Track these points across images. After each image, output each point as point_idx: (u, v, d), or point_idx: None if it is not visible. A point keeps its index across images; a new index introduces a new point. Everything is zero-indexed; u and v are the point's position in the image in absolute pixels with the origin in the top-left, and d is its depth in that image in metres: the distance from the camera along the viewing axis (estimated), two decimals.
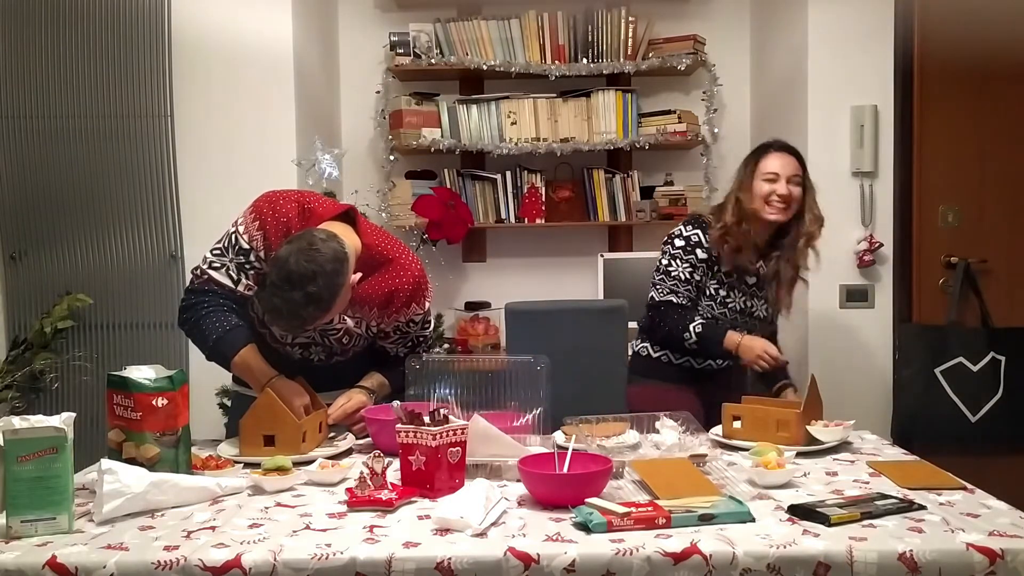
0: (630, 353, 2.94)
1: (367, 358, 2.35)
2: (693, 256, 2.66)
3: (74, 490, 1.61)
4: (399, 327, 2.29)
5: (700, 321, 2.65)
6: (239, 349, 2.13)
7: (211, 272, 2.17)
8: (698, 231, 2.68)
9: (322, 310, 1.99)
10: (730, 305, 2.69)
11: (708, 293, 2.69)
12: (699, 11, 4.30)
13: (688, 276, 2.66)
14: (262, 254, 2.14)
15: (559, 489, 1.65)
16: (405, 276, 2.23)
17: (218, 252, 2.17)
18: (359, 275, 2.09)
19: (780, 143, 2.74)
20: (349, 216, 2.21)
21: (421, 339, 2.38)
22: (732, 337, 2.61)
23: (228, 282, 2.16)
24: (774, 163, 2.65)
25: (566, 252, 4.32)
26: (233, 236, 2.16)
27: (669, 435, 1.98)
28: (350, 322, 2.23)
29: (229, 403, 2.84)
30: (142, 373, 1.84)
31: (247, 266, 2.15)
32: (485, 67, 4.03)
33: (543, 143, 4.03)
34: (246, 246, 2.14)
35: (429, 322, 2.41)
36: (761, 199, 2.63)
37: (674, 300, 2.68)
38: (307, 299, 1.94)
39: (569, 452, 1.75)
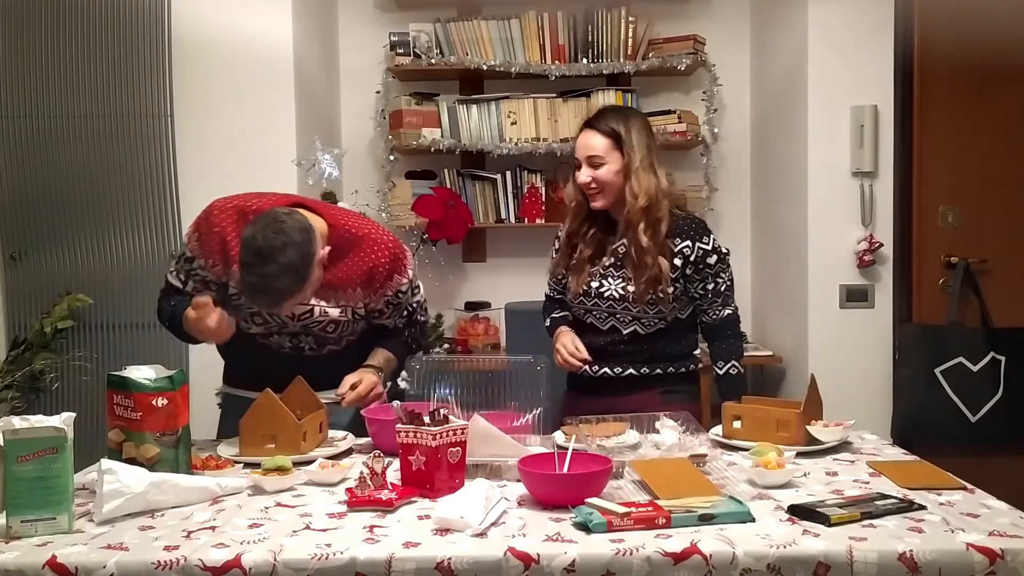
0: None
1: (363, 344, 2.35)
2: (553, 248, 2.58)
3: (74, 490, 1.61)
4: (388, 301, 2.29)
5: (551, 315, 2.55)
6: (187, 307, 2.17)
7: (169, 277, 2.29)
8: (563, 225, 2.56)
9: (299, 281, 2.00)
10: (584, 289, 2.45)
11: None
12: (699, 11, 4.30)
13: (551, 270, 2.60)
14: (203, 263, 2.19)
15: (559, 489, 1.65)
16: (380, 250, 2.23)
17: (175, 259, 2.29)
18: (328, 249, 2.09)
19: (591, 117, 2.47)
20: (301, 206, 2.20)
21: (415, 306, 2.39)
22: (556, 335, 2.48)
23: (178, 283, 2.26)
24: (578, 146, 2.43)
25: None
26: (183, 245, 2.26)
27: (669, 435, 1.98)
28: (334, 312, 2.23)
29: None
30: (142, 373, 1.84)
31: (192, 272, 2.22)
32: (485, 67, 4.03)
33: (543, 143, 4.03)
34: (189, 254, 2.22)
35: (418, 287, 2.40)
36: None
37: (547, 292, 2.64)
38: (282, 270, 1.96)
39: (569, 452, 1.75)
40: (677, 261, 2.39)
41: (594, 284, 2.43)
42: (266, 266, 1.95)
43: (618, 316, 2.42)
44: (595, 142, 2.39)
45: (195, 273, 2.21)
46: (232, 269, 2.14)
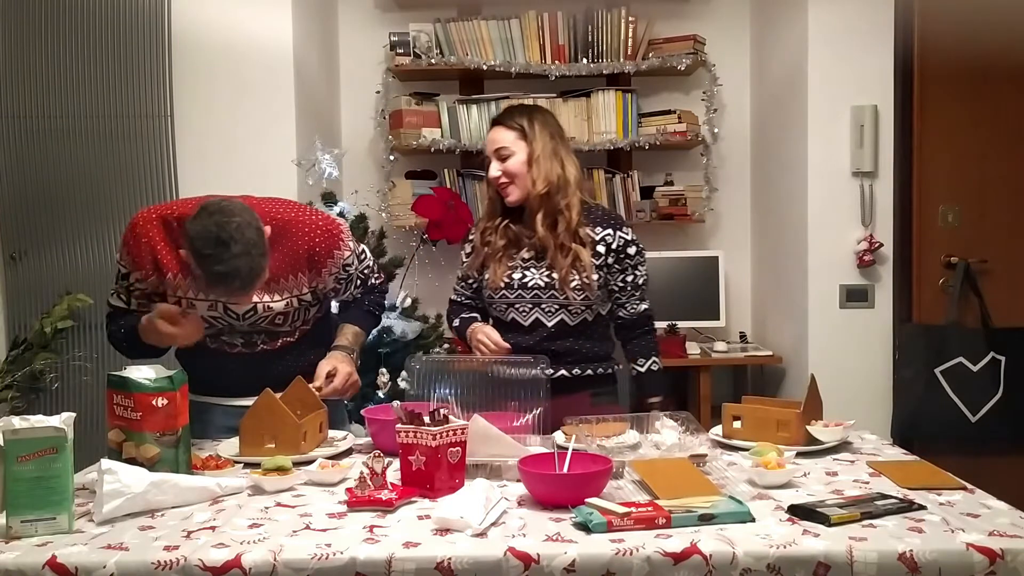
0: None
1: (318, 330, 2.34)
2: (463, 251, 2.56)
3: (74, 490, 1.61)
4: (337, 277, 2.27)
5: (461, 315, 2.51)
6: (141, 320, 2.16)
7: (111, 300, 2.26)
8: (476, 226, 2.57)
9: (263, 256, 1.99)
10: (506, 281, 2.42)
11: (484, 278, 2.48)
12: (699, 11, 4.30)
13: (462, 274, 2.54)
14: (139, 275, 2.17)
15: (559, 489, 1.65)
16: (311, 231, 2.20)
17: (114, 279, 2.24)
18: (268, 228, 2.06)
19: (497, 115, 2.51)
20: None
21: (366, 272, 2.36)
22: (470, 329, 2.45)
23: (121, 304, 2.23)
24: (487, 142, 2.45)
25: None
26: (118, 264, 2.22)
27: (669, 435, 1.98)
28: (278, 305, 2.21)
29: None
30: (142, 373, 1.84)
31: (131, 289, 2.20)
32: (485, 67, 4.04)
33: None
34: (123, 271, 2.20)
35: (363, 253, 2.36)
36: None
37: (453, 297, 2.60)
38: (245, 249, 1.94)
39: (569, 452, 1.75)
40: (600, 248, 2.41)
41: (516, 275, 2.41)
42: (229, 250, 1.93)
43: (543, 307, 2.40)
44: (502, 136, 2.41)
45: (134, 288, 2.20)
46: (166, 278, 2.14)
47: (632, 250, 2.44)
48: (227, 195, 2.15)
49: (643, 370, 2.49)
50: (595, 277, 2.39)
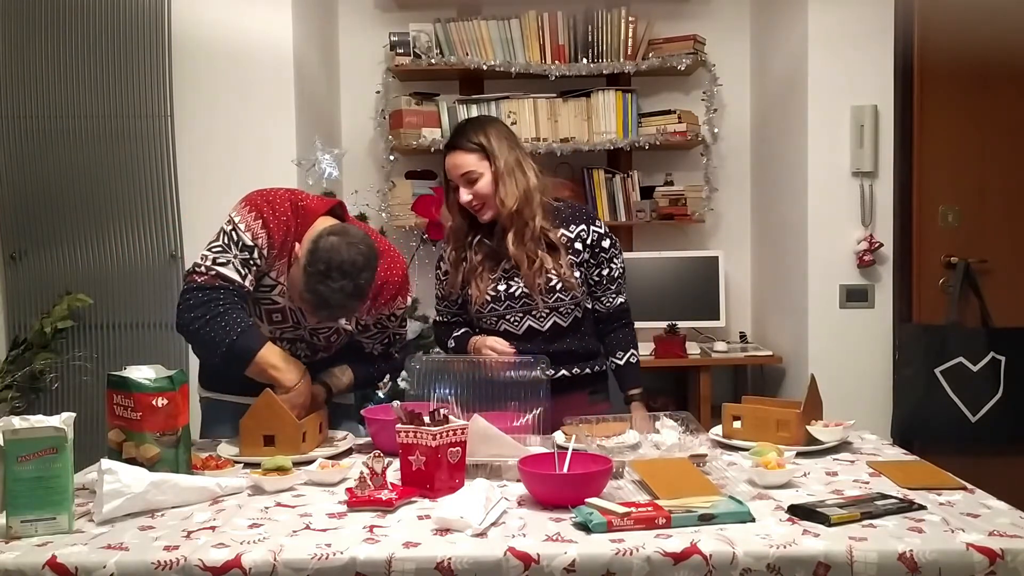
0: None
1: (348, 354, 2.35)
2: (439, 272, 2.54)
3: (74, 490, 1.61)
4: (380, 320, 2.30)
5: (454, 335, 2.49)
6: (263, 345, 2.09)
7: (219, 268, 2.08)
8: (445, 247, 2.55)
9: (363, 301, 2.04)
10: (492, 295, 2.40)
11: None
12: (699, 11, 4.30)
13: (443, 294, 2.52)
14: (265, 252, 2.10)
15: (559, 489, 1.65)
16: (394, 269, 2.26)
17: (219, 248, 2.10)
18: None
19: (451, 139, 2.42)
20: (336, 212, 2.22)
21: (397, 336, 2.40)
22: (471, 341, 2.44)
23: (237, 277, 2.08)
24: (448, 168, 2.39)
25: None
26: (233, 233, 2.10)
27: (669, 435, 1.98)
28: (342, 320, 2.23)
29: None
30: (142, 373, 1.84)
31: (250, 262, 2.10)
32: (485, 67, 4.04)
33: (543, 143, 4.03)
34: (250, 243, 2.09)
35: (406, 319, 2.42)
36: None
37: (438, 319, 2.58)
38: (356, 290, 1.98)
39: (569, 452, 1.75)
40: (578, 246, 2.40)
41: (501, 287, 2.40)
42: (344, 281, 1.95)
43: (534, 313, 2.39)
44: (464, 160, 2.35)
45: (254, 263, 2.10)
46: (282, 261, 2.12)
47: (606, 243, 2.43)
48: (342, 208, 2.21)
49: (622, 363, 2.48)
50: (577, 274, 2.39)
